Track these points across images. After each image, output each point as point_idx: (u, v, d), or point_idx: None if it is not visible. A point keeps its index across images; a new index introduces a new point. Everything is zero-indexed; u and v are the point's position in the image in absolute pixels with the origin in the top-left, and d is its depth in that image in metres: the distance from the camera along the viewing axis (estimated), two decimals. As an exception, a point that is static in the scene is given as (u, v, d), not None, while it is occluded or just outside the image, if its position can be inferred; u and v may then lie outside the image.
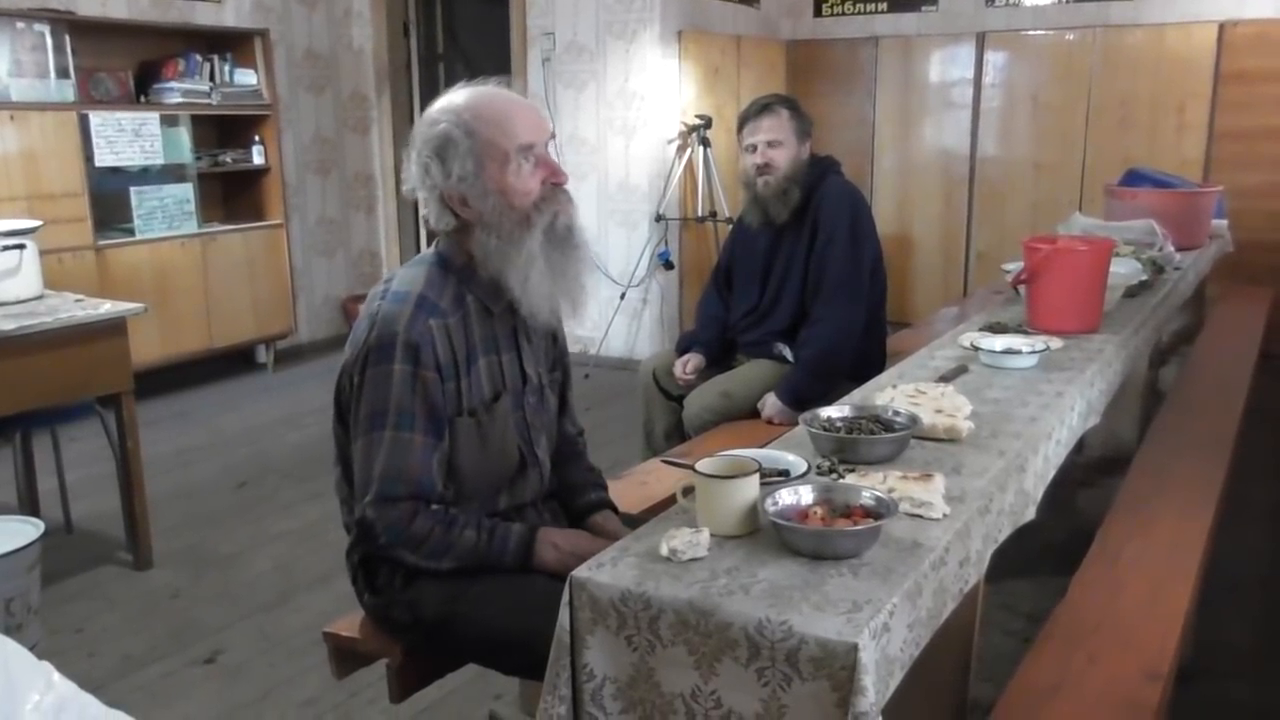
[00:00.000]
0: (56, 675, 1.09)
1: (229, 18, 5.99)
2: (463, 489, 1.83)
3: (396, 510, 1.74)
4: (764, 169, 3.30)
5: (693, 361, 3.39)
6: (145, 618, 3.21)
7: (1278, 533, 3.71)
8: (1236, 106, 5.93)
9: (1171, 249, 3.66)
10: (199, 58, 5.71)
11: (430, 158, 1.76)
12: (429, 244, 1.92)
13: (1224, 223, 4.65)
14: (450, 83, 6.62)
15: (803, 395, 3.12)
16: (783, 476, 1.70)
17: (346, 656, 1.97)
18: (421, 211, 1.85)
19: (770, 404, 3.24)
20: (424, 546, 1.75)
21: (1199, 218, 4.21)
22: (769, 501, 1.52)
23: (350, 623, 1.97)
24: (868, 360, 3.32)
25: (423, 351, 1.74)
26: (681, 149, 6.20)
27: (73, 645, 3.04)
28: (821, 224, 3.28)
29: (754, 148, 3.32)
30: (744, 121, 3.36)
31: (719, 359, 3.47)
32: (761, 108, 3.33)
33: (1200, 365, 3.76)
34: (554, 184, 1.81)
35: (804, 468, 1.73)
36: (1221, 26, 5.90)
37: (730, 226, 6.14)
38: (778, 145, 3.29)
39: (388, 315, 1.76)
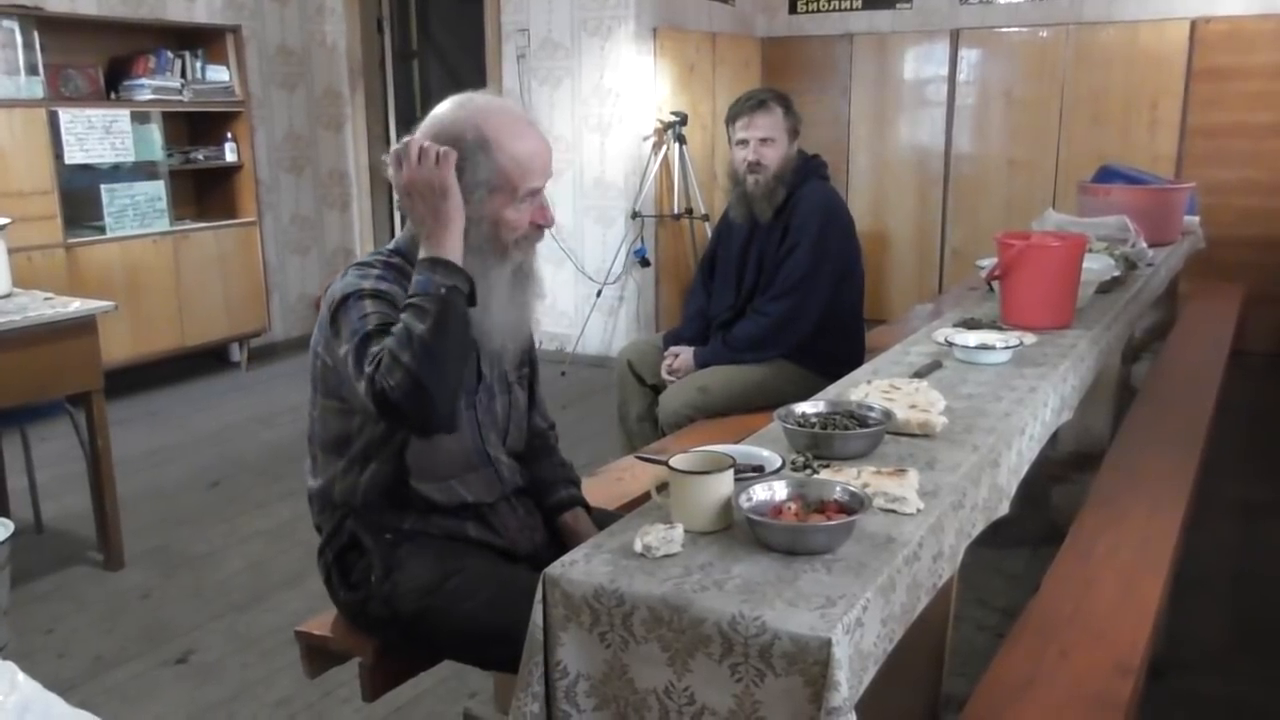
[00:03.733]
0: (21, 675, 1.08)
1: (200, 14, 5.94)
2: (418, 479, 1.82)
3: (377, 364, 1.62)
4: (755, 167, 3.30)
5: (681, 359, 3.40)
6: (116, 618, 3.18)
7: (1248, 528, 3.75)
8: (1208, 103, 5.99)
9: (1144, 245, 3.68)
10: (170, 54, 5.66)
11: None
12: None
13: (1196, 219, 4.68)
14: (425, 80, 6.53)
15: (712, 364, 3.34)
16: (757, 472, 1.70)
17: (319, 656, 1.96)
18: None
19: (684, 354, 3.40)
20: (398, 354, 1.59)
21: (1171, 214, 4.24)
22: (743, 497, 1.52)
23: (323, 622, 1.96)
24: (845, 361, 3.34)
25: (394, 297, 1.72)
26: (657, 146, 6.20)
27: (42, 646, 3.01)
28: (792, 227, 3.29)
29: (745, 143, 3.31)
30: (737, 115, 3.33)
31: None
32: (758, 103, 3.30)
33: (1172, 361, 3.79)
34: (539, 225, 1.84)
35: (778, 463, 1.73)
36: (1193, 23, 5.96)
37: (707, 220, 6.20)
38: (770, 143, 3.29)
39: (347, 284, 1.75)
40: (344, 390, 1.77)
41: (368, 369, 1.62)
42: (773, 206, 3.32)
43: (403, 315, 1.65)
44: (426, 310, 1.63)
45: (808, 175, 3.36)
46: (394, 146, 1.74)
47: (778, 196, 3.31)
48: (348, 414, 1.81)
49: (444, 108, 1.81)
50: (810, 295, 3.28)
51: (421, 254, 1.71)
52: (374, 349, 1.64)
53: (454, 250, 1.70)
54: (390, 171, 1.75)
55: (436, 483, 1.84)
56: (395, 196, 1.86)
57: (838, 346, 3.34)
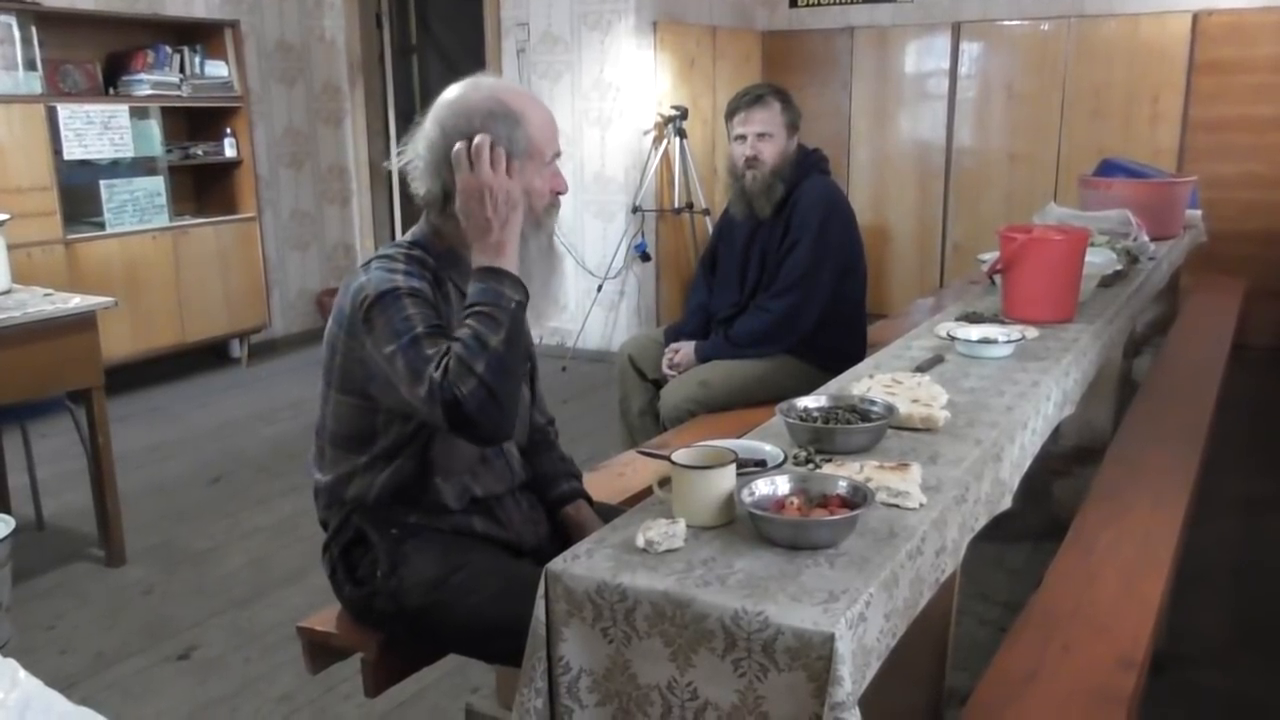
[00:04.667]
0: (22, 672, 1.08)
1: (199, 9, 5.93)
2: (437, 471, 1.82)
3: (447, 369, 1.62)
4: (752, 162, 3.28)
5: (682, 354, 3.39)
6: (118, 614, 3.18)
7: (1249, 522, 3.75)
8: (1210, 96, 5.98)
9: (1145, 239, 3.67)
10: (168, 49, 5.65)
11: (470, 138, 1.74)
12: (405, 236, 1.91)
13: (1198, 213, 4.67)
14: (425, 74, 6.51)
15: (713, 359, 3.33)
16: (759, 467, 1.70)
17: (321, 651, 1.96)
18: (422, 190, 1.81)
19: (685, 349, 3.38)
20: (471, 360, 1.59)
21: (1173, 208, 4.23)
22: (745, 492, 1.52)
23: (325, 617, 1.95)
24: (847, 356, 3.33)
25: (426, 294, 1.72)
26: (657, 140, 6.19)
27: (45, 643, 3.01)
28: (794, 224, 3.27)
29: (743, 138, 3.29)
30: (735, 110, 3.32)
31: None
32: (754, 98, 3.29)
33: (1174, 355, 3.78)
34: (558, 193, 1.86)
35: (781, 458, 1.73)
36: (1195, 16, 5.94)
37: (708, 214, 6.19)
38: (767, 138, 3.27)
39: (379, 279, 1.72)
40: (371, 388, 1.76)
41: (433, 374, 1.60)
42: (772, 203, 3.30)
43: (469, 322, 1.64)
44: (500, 322, 1.63)
45: (808, 170, 3.34)
46: (458, 145, 1.71)
47: (777, 192, 3.29)
48: (370, 411, 1.80)
49: (456, 92, 1.80)
50: (813, 291, 3.26)
51: (481, 260, 1.70)
52: (430, 351, 1.62)
53: (514, 262, 1.72)
54: (455, 169, 1.72)
55: (452, 478, 1.84)
56: (416, 190, 1.82)
57: (840, 341, 3.33)
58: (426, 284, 1.75)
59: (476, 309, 1.65)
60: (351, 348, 1.76)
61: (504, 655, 1.78)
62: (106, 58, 5.58)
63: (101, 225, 5.33)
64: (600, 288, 6.18)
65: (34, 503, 3.79)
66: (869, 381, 2.12)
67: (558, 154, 1.84)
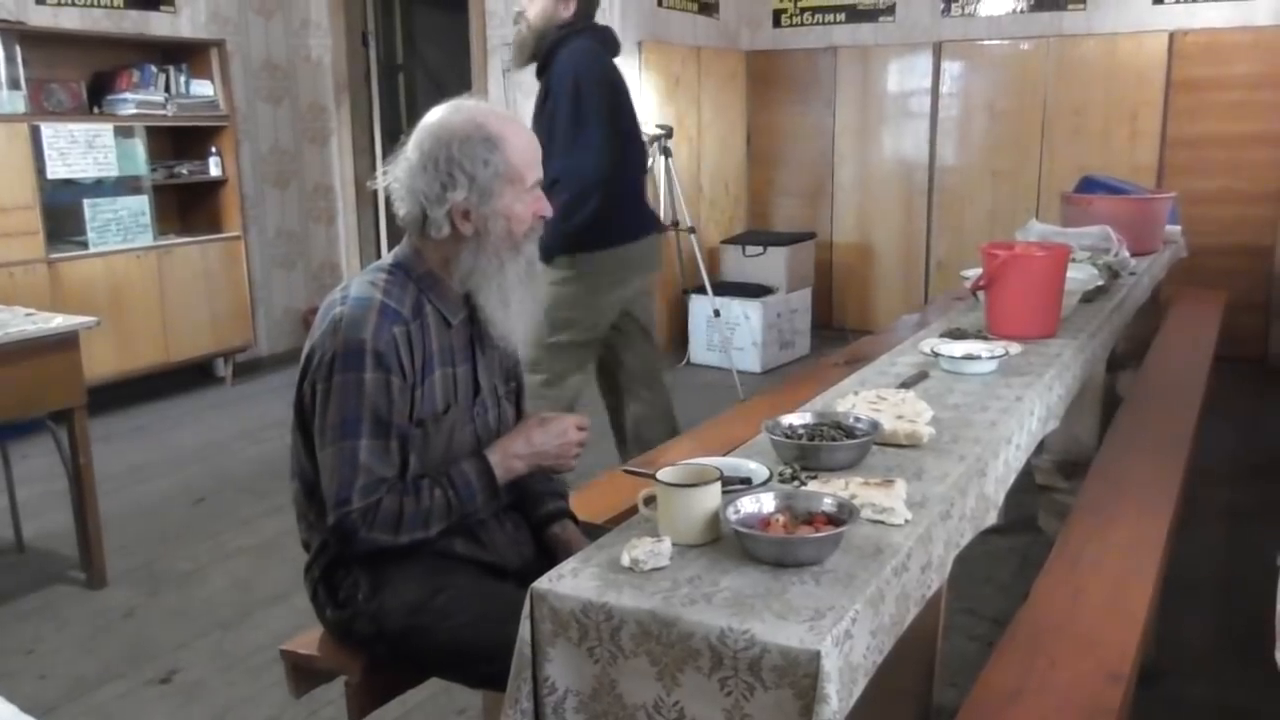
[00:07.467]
0: (-2, 699, 1.06)
1: (184, 28, 5.93)
2: None
3: (374, 507, 1.74)
4: (518, 17, 3.59)
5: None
6: (99, 637, 3.15)
7: (1234, 533, 3.76)
8: (1187, 114, 6.04)
9: (1126, 254, 3.70)
10: (154, 68, 5.64)
11: (450, 164, 1.76)
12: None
13: (1177, 228, 4.72)
14: (411, 94, 6.48)
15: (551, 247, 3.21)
16: (744, 484, 1.70)
17: (305, 674, 1.94)
18: (402, 211, 1.82)
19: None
20: (403, 523, 1.74)
21: (1153, 223, 4.26)
22: (730, 509, 1.52)
23: (309, 640, 1.94)
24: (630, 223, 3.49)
25: (390, 359, 1.74)
26: (643, 158, 6.19)
27: (23, 667, 2.98)
28: (551, 89, 3.44)
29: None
30: None
31: None
32: None
33: (1156, 369, 3.80)
34: (541, 217, 1.88)
35: (766, 475, 1.72)
36: (1172, 36, 6.01)
37: (693, 232, 6.20)
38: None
39: (352, 320, 1.74)
40: (313, 430, 1.79)
41: (356, 501, 1.71)
42: (523, 56, 3.68)
43: (437, 492, 1.77)
44: (451, 516, 1.79)
45: (571, 36, 3.51)
46: (541, 417, 1.95)
47: (527, 49, 3.64)
48: (311, 457, 1.82)
49: (438, 115, 1.82)
50: (586, 139, 3.50)
51: (496, 455, 1.85)
52: (363, 462, 1.71)
53: (506, 479, 1.86)
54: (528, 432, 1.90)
55: None
56: (397, 211, 1.85)
57: (619, 213, 3.51)
58: (402, 307, 1.77)
59: (450, 489, 1.78)
60: (310, 376, 1.79)
61: (486, 679, 1.77)
62: (91, 77, 5.56)
63: (85, 244, 5.30)
64: (586, 305, 6.16)
65: (14, 524, 3.75)
66: (854, 398, 2.13)
67: (539, 180, 1.85)
